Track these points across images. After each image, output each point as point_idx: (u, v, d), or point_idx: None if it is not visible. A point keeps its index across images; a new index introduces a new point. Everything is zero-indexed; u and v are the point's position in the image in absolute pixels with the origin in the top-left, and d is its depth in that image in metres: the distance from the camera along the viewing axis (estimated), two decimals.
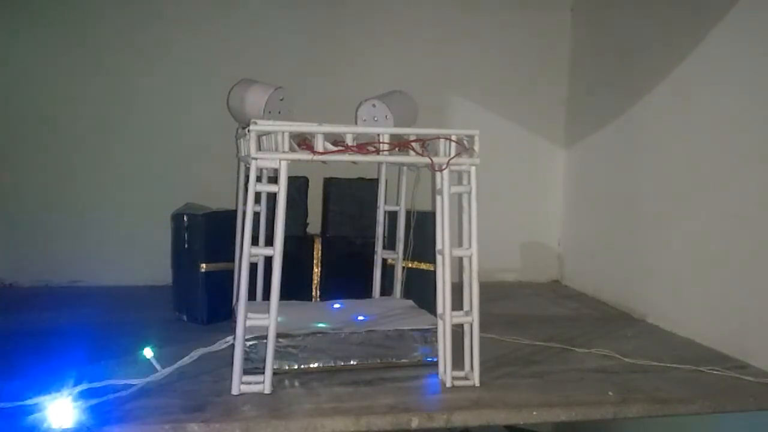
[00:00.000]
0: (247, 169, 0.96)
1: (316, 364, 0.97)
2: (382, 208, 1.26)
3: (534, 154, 1.69)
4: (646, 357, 1.05)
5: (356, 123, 1.19)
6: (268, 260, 0.92)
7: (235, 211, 1.22)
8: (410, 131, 0.94)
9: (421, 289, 1.21)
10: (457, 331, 0.94)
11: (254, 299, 1.14)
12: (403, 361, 1.00)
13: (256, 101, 1.16)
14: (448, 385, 0.92)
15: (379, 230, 1.26)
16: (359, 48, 1.57)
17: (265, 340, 0.89)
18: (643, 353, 1.07)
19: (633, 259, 1.39)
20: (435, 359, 0.96)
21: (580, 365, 1.04)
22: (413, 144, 0.93)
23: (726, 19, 1.13)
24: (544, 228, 1.71)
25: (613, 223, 1.47)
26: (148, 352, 0.92)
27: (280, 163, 0.89)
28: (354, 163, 0.94)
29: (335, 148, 0.91)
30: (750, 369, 1.01)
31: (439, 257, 0.94)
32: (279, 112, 1.18)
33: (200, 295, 1.21)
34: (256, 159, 0.88)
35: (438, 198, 0.94)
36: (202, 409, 0.81)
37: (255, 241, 1.15)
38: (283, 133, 0.89)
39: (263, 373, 0.88)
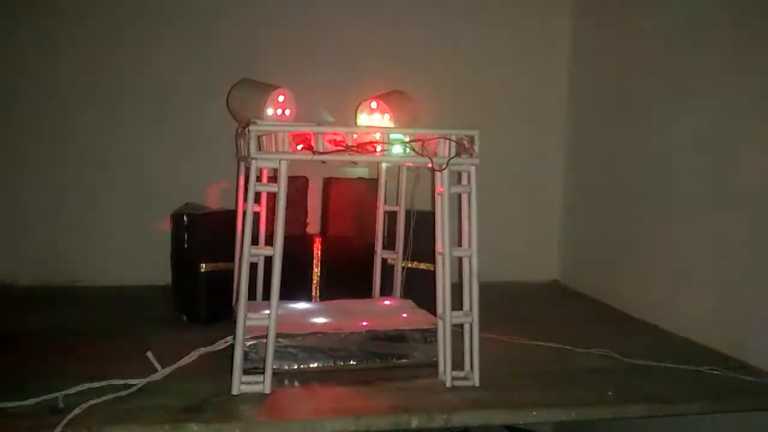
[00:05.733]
0: (247, 169, 0.96)
1: (316, 364, 0.97)
2: (382, 208, 1.26)
3: (534, 154, 1.69)
4: (646, 357, 1.05)
5: (356, 123, 1.20)
6: (268, 260, 0.92)
7: (235, 211, 1.22)
8: (410, 131, 0.94)
9: (421, 289, 1.20)
10: (457, 331, 0.94)
11: (254, 299, 1.14)
12: (403, 361, 1.00)
13: (257, 101, 1.16)
14: (448, 385, 0.92)
15: (379, 230, 1.26)
16: (359, 47, 1.57)
17: (265, 340, 0.89)
18: (642, 353, 1.06)
19: (633, 259, 1.39)
20: (435, 359, 0.96)
21: (580, 365, 1.04)
22: (413, 144, 0.93)
23: (726, 18, 1.13)
24: (544, 228, 1.71)
25: (613, 224, 1.47)
26: (148, 352, 0.92)
27: (279, 163, 0.89)
28: (354, 163, 0.94)
29: (335, 148, 0.91)
30: (750, 369, 1.01)
31: (438, 257, 0.94)
32: (279, 112, 1.18)
33: (200, 295, 1.21)
34: (256, 159, 0.88)
35: (438, 198, 0.94)
36: (202, 409, 0.81)
37: (255, 241, 1.15)
38: (283, 133, 0.89)
39: (263, 373, 0.88)
